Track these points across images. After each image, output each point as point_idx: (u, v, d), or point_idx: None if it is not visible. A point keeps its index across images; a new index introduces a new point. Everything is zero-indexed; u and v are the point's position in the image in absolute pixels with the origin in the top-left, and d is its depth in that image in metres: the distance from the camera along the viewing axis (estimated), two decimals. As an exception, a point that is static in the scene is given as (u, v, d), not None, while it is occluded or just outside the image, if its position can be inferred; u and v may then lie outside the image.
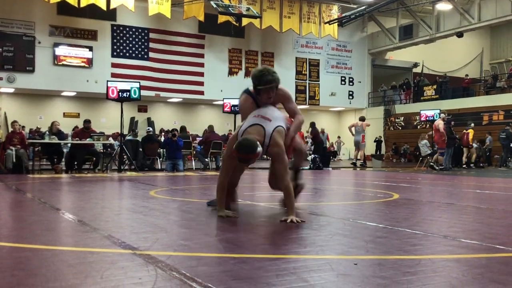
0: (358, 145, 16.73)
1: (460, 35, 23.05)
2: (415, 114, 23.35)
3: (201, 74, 23.65)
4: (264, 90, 4.38)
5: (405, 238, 3.38)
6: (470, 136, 17.93)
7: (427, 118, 17.78)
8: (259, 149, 4.00)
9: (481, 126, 21.18)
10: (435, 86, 25.54)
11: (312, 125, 16.93)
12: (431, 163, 15.29)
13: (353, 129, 16.73)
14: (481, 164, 18.09)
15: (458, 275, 2.43)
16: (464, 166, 17.50)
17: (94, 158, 12.62)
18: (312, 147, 16.90)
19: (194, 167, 14.37)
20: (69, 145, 12.79)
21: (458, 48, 28.64)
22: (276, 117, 4.32)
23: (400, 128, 25.82)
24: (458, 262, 2.74)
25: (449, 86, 25.45)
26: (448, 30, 23.71)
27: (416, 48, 26.71)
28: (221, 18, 20.52)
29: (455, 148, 16.50)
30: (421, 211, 5.23)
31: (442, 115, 15.85)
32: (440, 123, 15.20)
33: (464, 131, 18.16)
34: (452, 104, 23.18)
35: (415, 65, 28.43)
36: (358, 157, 16.85)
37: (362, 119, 17.00)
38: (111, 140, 14.44)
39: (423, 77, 27.44)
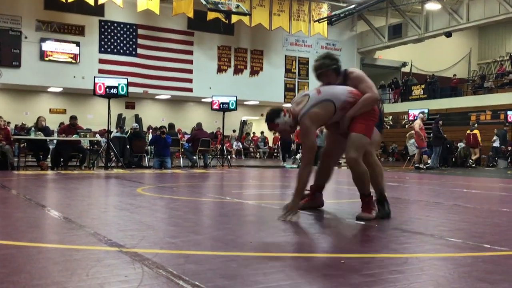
0: None
1: (448, 35, 23.22)
2: (403, 113, 23.47)
3: (190, 71, 23.55)
4: (321, 75, 4.32)
5: (392, 237, 3.39)
6: (479, 137, 18.12)
7: (415, 118, 17.88)
8: (279, 120, 4.04)
9: (468, 126, 21.36)
10: (423, 86, 25.71)
11: None
12: (415, 164, 15.40)
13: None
14: (468, 164, 18.24)
15: (445, 273, 2.44)
16: (474, 165, 17.68)
17: (81, 155, 12.51)
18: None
19: (182, 165, 14.31)
20: (55, 141, 12.66)
21: (447, 48, 28.85)
22: (332, 92, 4.10)
23: (389, 127, 25.95)
24: (445, 261, 2.75)
25: (439, 86, 25.62)
26: (436, 30, 23.87)
27: (405, 48, 26.85)
28: (210, 15, 20.44)
29: (443, 148, 16.62)
30: (409, 210, 5.26)
31: (421, 115, 15.90)
32: (416, 124, 15.32)
33: (469, 131, 18.30)
34: (440, 103, 23.35)
35: (404, 64, 28.59)
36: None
37: None
38: (98, 137, 14.31)
39: (412, 77, 27.61)
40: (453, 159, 18.20)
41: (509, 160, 17.95)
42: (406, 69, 28.68)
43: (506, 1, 20.88)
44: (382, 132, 4.62)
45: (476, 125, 18.48)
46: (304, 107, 4.02)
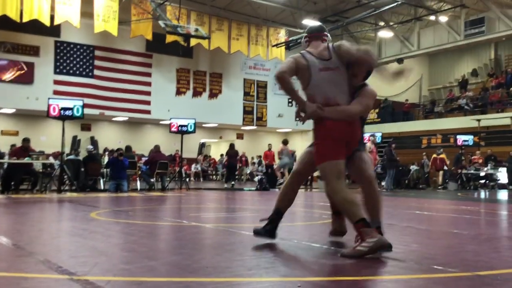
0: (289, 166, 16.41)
1: (400, 61, 24.07)
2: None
3: (148, 93, 23.35)
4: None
5: (347, 260, 3.43)
6: (446, 160, 18.72)
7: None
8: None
9: (420, 149, 22.04)
10: (377, 110, 26.44)
11: (231, 146, 17.15)
12: None
13: (279, 153, 16.51)
14: (420, 186, 18.77)
15: (398, 295, 2.48)
16: (440, 188, 18.33)
17: (32, 178, 12.11)
18: (263, 169, 16.97)
19: (139, 188, 14.07)
20: (5, 164, 12.22)
21: (399, 74, 29.80)
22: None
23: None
24: (397, 283, 2.80)
25: (396, 110, 26.36)
26: (389, 56, 24.72)
27: (359, 73, 27.57)
28: (169, 38, 20.43)
29: (396, 170, 17.06)
30: (364, 232, 5.33)
31: (371, 137, 16.30)
32: (366, 146, 15.72)
33: (435, 155, 18.87)
34: (393, 127, 24.06)
35: (359, 89, 29.32)
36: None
37: (285, 142, 16.91)
38: (51, 160, 13.92)
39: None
40: (406, 181, 18.70)
41: (459, 182, 18.59)
42: (361, 94, 29.40)
43: (454, 30, 21.92)
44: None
45: (441, 150, 19.16)
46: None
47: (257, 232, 3.90)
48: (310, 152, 3.90)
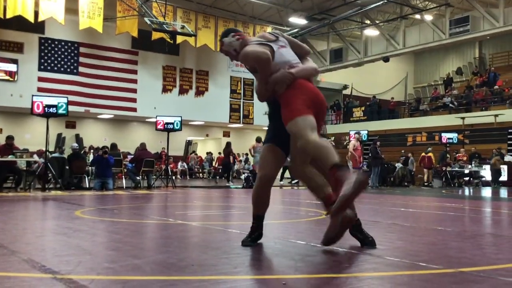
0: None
1: (386, 59, 24.22)
2: (344, 134, 24.13)
3: (134, 91, 23.22)
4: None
5: (332, 257, 3.45)
6: (433, 159, 18.96)
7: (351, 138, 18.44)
8: (225, 39, 3.91)
9: (405, 147, 22.22)
10: (363, 108, 26.59)
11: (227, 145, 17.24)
12: None
13: (252, 150, 16.61)
14: (405, 183, 18.93)
15: (382, 292, 2.50)
16: (426, 184, 18.64)
17: (16, 176, 11.97)
18: (250, 166, 17.01)
19: (124, 186, 13.98)
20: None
21: (385, 72, 30.04)
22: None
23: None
24: (382, 280, 2.82)
25: (382, 108, 26.53)
26: (375, 54, 24.85)
27: (345, 71, 27.75)
28: (155, 35, 20.33)
29: (382, 168, 17.18)
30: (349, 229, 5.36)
31: (356, 135, 16.43)
32: (350, 144, 15.91)
33: (424, 154, 19.06)
34: (379, 125, 24.20)
35: (345, 87, 29.49)
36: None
37: (258, 140, 16.93)
38: (35, 157, 13.77)
39: (352, 99, 28.50)
40: (391, 179, 18.84)
41: (443, 180, 18.78)
42: (347, 92, 29.57)
43: (439, 29, 22.10)
44: None
45: (430, 148, 19.35)
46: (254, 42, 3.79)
47: (245, 245, 3.84)
48: (271, 151, 3.82)
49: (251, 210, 4.03)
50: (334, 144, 26.31)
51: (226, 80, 25.94)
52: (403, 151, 20.56)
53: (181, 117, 15.23)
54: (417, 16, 23.65)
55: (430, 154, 19.07)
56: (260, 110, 26.92)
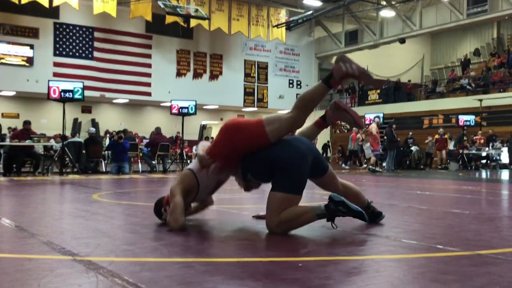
0: None
1: (402, 41, 23.88)
2: (360, 117, 23.99)
3: (148, 75, 23.27)
4: None
5: (349, 239, 3.45)
6: (448, 140, 18.97)
7: (371, 122, 18.30)
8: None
9: (421, 130, 22.02)
10: (378, 91, 26.32)
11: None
12: (369, 168, 15.79)
13: None
14: (421, 167, 18.79)
15: (400, 275, 2.49)
16: (441, 167, 18.55)
17: (34, 161, 12.14)
18: None
19: (140, 170, 14.10)
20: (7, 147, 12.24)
21: (401, 54, 29.65)
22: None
23: (346, 131, 26.41)
24: (399, 262, 2.82)
25: (401, 90, 26.21)
26: (391, 36, 24.51)
27: (361, 53, 27.41)
28: (169, 19, 20.28)
29: (397, 151, 17.07)
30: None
31: (377, 119, 16.37)
32: (372, 127, 15.80)
33: (437, 136, 18.98)
34: (395, 108, 23.96)
35: (360, 69, 29.17)
36: None
37: None
38: (52, 142, 13.94)
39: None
40: (407, 162, 18.72)
41: (460, 163, 18.60)
42: (362, 74, 29.24)
43: (456, 9, 21.69)
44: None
45: (441, 129, 19.32)
46: None
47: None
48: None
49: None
50: (349, 127, 26.20)
51: (240, 63, 25.85)
52: (410, 133, 20.34)
53: (195, 101, 15.26)
54: (434, -4, 23.22)
55: (446, 136, 18.98)
56: (274, 94, 26.85)
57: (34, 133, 12.62)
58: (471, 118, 19.03)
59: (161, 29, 22.39)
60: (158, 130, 15.09)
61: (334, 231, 3.71)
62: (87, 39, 21.88)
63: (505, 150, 18.50)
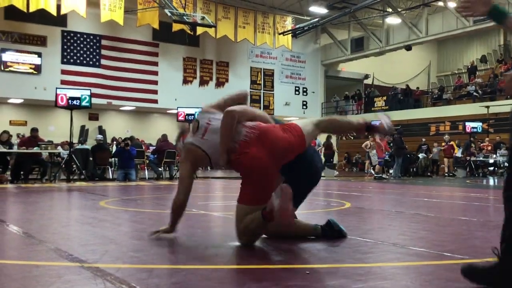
0: None
1: (408, 48, 23.84)
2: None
3: (155, 82, 23.37)
4: None
5: (356, 247, 3.43)
6: (455, 147, 18.92)
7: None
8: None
9: (428, 137, 21.93)
10: (385, 97, 26.28)
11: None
12: (374, 175, 15.75)
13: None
14: (428, 174, 18.70)
15: (407, 282, 2.48)
16: (447, 174, 18.54)
17: (42, 168, 12.20)
18: None
19: (147, 177, 14.13)
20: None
21: (407, 60, 29.61)
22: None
23: (352, 138, 26.36)
24: (407, 269, 2.80)
25: (411, 97, 26.13)
26: (397, 43, 24.47)
27: (367, 60, 27.43)
28: (176, 27, 20.39)
29: (404, 158, 17.01)
30: (372, 219, 5.34)
31: None
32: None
33: (444, 143, 19.01)
34: (401, 115, 23.87)
35: (366, 76, 29.18)
36: None
37: None
38: (59, 149, 14.01)
39: (373, 88, 28.20)
40: (414, 169, 18.64)
41: (467, 170, 18.50)
42: (368, 81, 29.26)
43: (463, 16, 21.66)
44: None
45: (447, 136, 19.35)
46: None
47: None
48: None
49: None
50: (355, 134, 26.14)
51: (246, 71, 25.92)
52: (423, 139, 20.31)
53: (201, 108, 15.27)
54: (440, 3, 23.18)
55: (452, 142, 18.93)
56: (280, 101, 26.87)
57: (41, 140, 12.69)
58: (478, 125, 18.94)
59: (168, 37, 22.51)
60: (164, 137, 15.12)
61: (341, 238, 3.70)
62: (94, 47, 22.03)
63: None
